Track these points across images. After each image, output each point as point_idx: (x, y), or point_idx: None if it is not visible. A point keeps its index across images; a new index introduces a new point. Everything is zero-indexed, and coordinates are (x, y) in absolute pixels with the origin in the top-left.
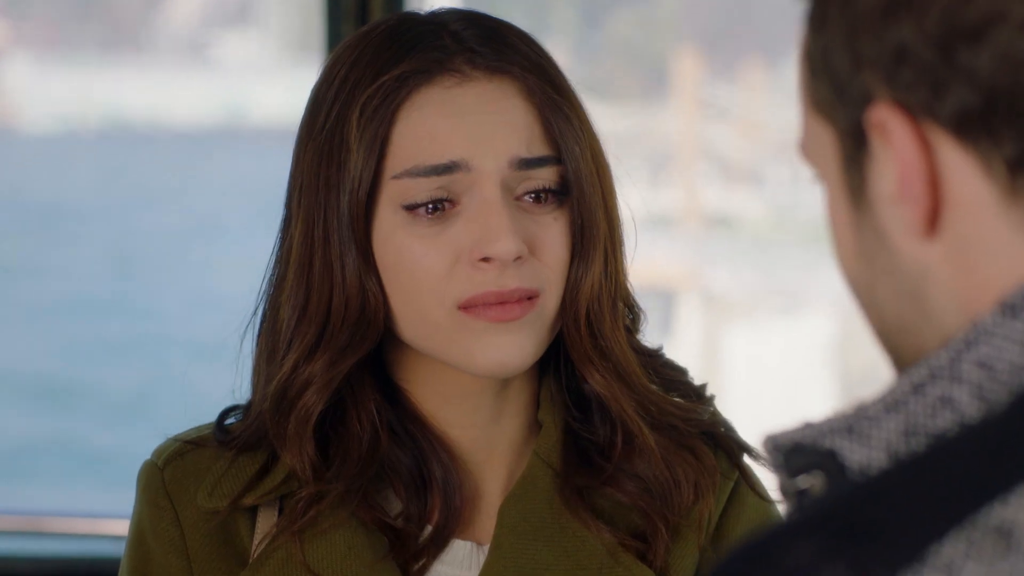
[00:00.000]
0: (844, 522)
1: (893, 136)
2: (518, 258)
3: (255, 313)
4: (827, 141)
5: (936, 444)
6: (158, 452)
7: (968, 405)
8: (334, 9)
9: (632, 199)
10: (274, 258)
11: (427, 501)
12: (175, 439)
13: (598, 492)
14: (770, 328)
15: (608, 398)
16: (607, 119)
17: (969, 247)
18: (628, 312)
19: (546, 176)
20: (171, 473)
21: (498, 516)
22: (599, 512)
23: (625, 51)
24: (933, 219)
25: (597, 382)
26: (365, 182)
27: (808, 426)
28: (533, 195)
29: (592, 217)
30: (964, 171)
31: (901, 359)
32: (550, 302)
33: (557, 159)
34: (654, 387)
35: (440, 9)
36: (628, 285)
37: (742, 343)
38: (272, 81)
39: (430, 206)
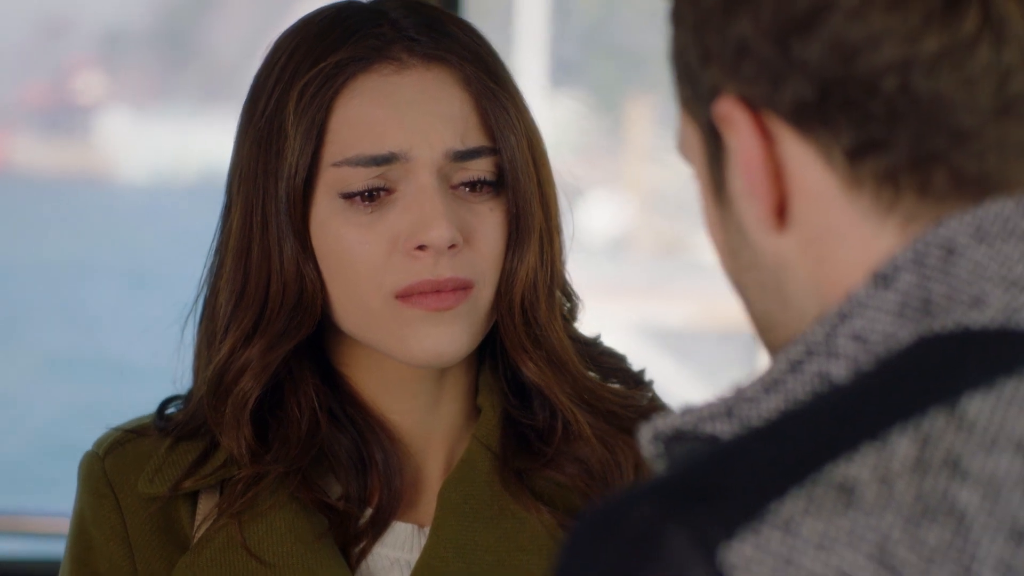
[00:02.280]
0: (686, 484)
1: (736, 129)
2: (453, 247)
3: (196, 301)
4: (694, 140)
5: (792, 408)
6: (99, 442)
7: (845, 380)
8: None
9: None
10: (214, 245)
11: (367, 484)
12: (116, 429)
13: (538, 474)
14: None
15: (542, 386)
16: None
17: (819, 237)
18: (566, 301)
19: (482, 166)
20: (112, 462)
21: (438, 498)
22: (539, 494)
23: None
24: (781, 212)
25: (531, 371)
26: (302, 169)
27: (688, 411)
28: (469, 185)
29: (527, 207)
30: (806, 163)
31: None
32: (485, 292)
33: (493, 149)
34: (591, 375)
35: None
36: (565, 273)
37: None
38: None
39: (367, 193)
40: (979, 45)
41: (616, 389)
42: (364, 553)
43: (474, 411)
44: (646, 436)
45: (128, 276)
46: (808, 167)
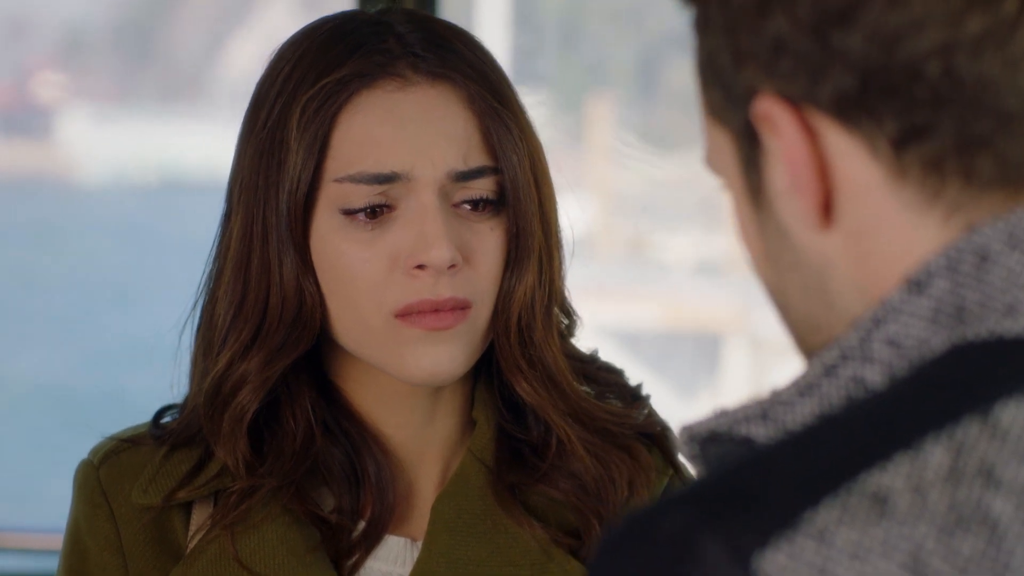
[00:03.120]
0: (720, 492)
1: (779, 127)
2: (452, 266)
3: (194, 308)
4: (725, 146)
5: (824, 416)
6: (94, 451)
7: (880, 385)
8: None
9: (684, 245)
10: (213, 251)
11: (361, 497)
12: (111, 438)
13: (532, 489)
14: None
15: (536, 406)
16: (661, 166)
17: (864, 232)
18: (564, 317)
19: (483, 186)
20: (106, 471)
21: (431, 512)
22: (532, 509)
23: (678, 100)
24: (827, 208)
25: (525, 391)
26: (304, 183)
27: (723, 414)
28: (470, 204)
29: (527, 227)
30: (850, 155)
31: None
32: (483, 312)
33: (494, 169)
34: (586, 393)
35: (388, 8)
36: (564, 290)
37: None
38: None
39: (368, 210)
40: (1021, 25)
41: (611, 408)
42: (356, 566)
43: (469, 425)
44: (682, 438)
45: (88, 284)
46: (852, 159)
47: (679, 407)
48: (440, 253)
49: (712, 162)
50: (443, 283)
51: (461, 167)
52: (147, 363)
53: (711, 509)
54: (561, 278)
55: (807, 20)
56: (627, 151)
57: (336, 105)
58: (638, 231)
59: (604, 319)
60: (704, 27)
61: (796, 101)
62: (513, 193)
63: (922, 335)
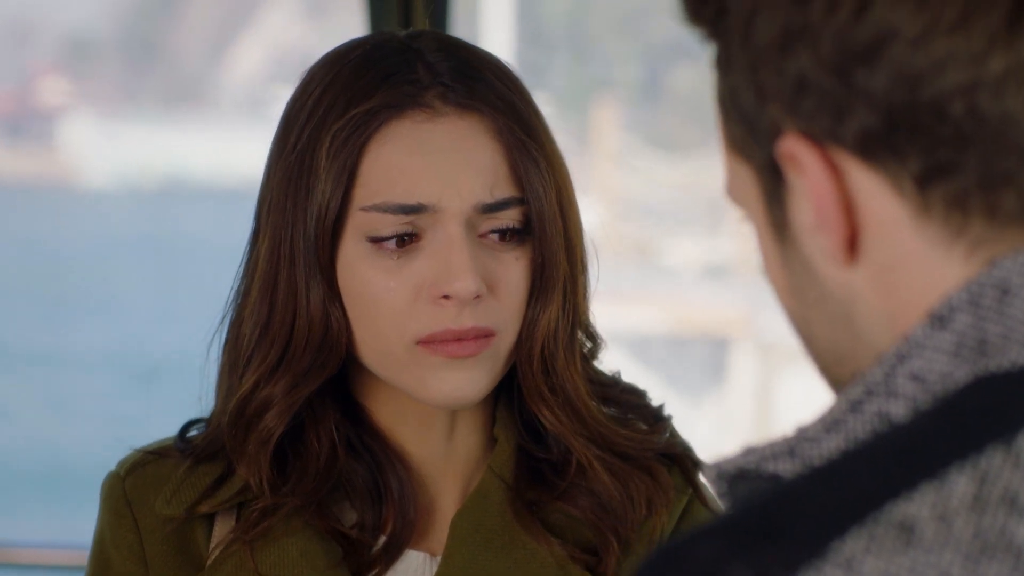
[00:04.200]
0: (750, 523)
1: (804, 166)
2: (477, 297)
3: (222, 322)
4: (748, 180)
5: (850, 450)
6: (121, 463)
7: (904, 419)
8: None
9: (690, 248)
10: (241, 268)
11: (382, 512)
12: (138, 450)
13: (551, 506)
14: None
15: (558, 434)
16: (667, 169)
17: (890, 267)
18: (587, 341)
19: (510, 216)
20: (132, 482)
21: (450, 528)
22: (551, 526)
23: (684, 103)
24: (853, 244)
25: (547, 418)
26: (332, 211)
27: (750, 451)
28: (496, 233)
29: (553, 258)
30: (875, 193)
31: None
32: (506, 340)
33: (521, 200)
34: (607, 418)
35: (418, 32)
36: (588, 314)
37: (796, 389)
38: None
39: (396, 239)
40: None
41: (631, 434)
42: None
43: (490, 442)
44: (710, 475)
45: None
46: (877, 197)
47: (686, 411)
48: (465, 285)
49: (734, 194)
50: (467, 313)
51: (488, 199)
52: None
53: (741, 540)
54: (586, 303)
55: (830, 60)
56: (633, 156)
57: (365, 135)
58: (644, 235)
59: (610, 324)
60: (726, 65)
61: (820, 139)
62: (539, 224)
63: (945, 369)
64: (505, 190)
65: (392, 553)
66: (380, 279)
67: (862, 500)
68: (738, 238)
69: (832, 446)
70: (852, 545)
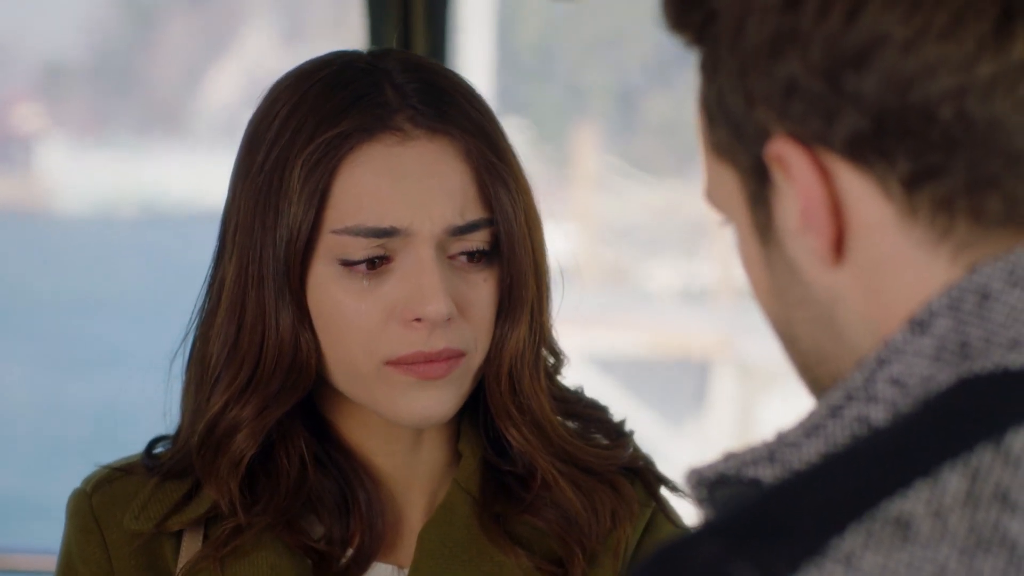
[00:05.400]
0: (749, 522)
1: (792, 168)
2: (448, 319)
3: (184, 339)
4: (731, 183)
5: (841, 450)
6: (87, 480)
7: (883, 423)
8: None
9: (667, 272)
10: (206, 285)
11: (349, 525)
12: (104, 467)
13: (517, 519)
14: (803, 396)
15: (524, 452)
16: (643, 195)
17: (875, 269)
18: (551, 356)
19: (479, 237)
20: (99, 499)
21: (418, 541)
22: (517, 538)
23: (659, 130)
24: (839, 246)
25: (514, 437)
26: (303, 234)
27: (731, 456)
28: (466, 255)
29: (522, 278)
30: (863, 195)
31: (823, 391)
32: (475, 359)
33: (490, 220)
34: (571, 433)
35: (381, 51)
36: (552, 331)
37: (776, 412)
38: None
39: (367, 262)
40: None
41: (596, 450)
42: None
43: (455, 456)
44: (690, 481)
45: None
46: (865, 199)
47: (666, 435)
48: (437, 308)
49: (713, 197)
50: (437, 335)
51: (458, 222)
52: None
53: (742, 539)
54: (550, 322)
55: (820, 63)
56: (610, 180)
57: (337, 159)
58: (622, 258)
59: (589, 348)
60: (713, 69)
61: (808, 142)
62: (508, 245)
63: (926, 372)
64: (475, 212)
65: (360, 565)
66: (351, 301)
67: (858, 498)
68: (716, 262)
69: (812, 451)
70: (851, 541)
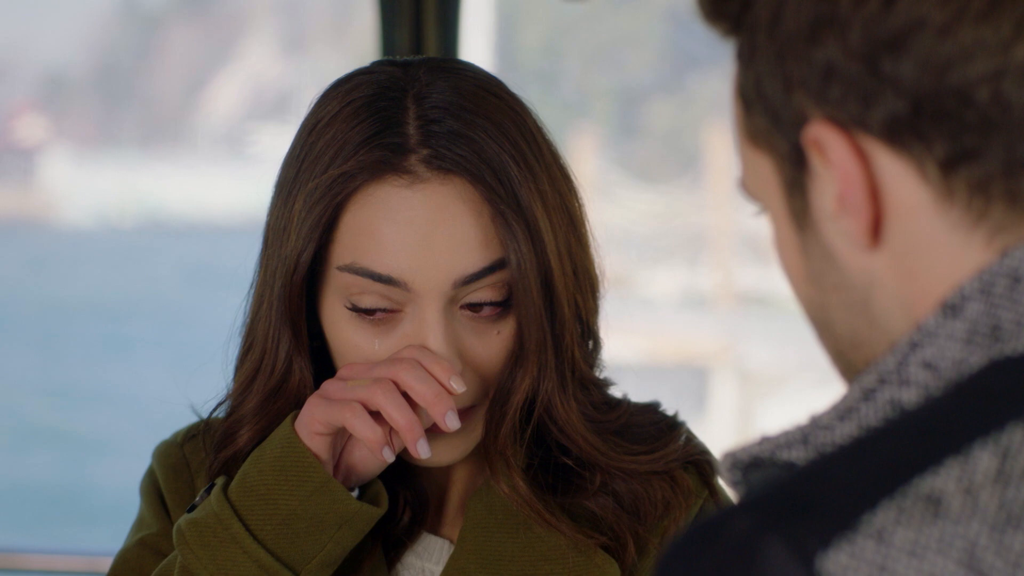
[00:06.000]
0: (781, 499)
1: (830, 151)
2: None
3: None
4: (767, 171)
5: (872, 430)
6: (175, 435)
7: (915, 406)
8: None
9: (668, 279)
10: (252, 286)
11: (400, 496)
12: (188, 428)
13: (571, 501)
14: (803, 402)
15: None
16: (645, 202)
17: (911, 252)
18: (588, 370)
19: (491, 282)
20: (189, 448)
21: (465, 511)
22: (567, 510)
23: (661, 136)
24: (876, 229)
25: (572, 457)
26: (302, 266)
27: (765, 440)
28: (473, 308)
29: (528, 327)
30: (900, 177)
31: (857, 376)
32: (485, 407)
33: (503, 262)
34: (620, 450)
35: (420, 63)
36: (587, 360)
37: (776, 417)
38: None
39: (373, 314)
40: None
41: (646, 458)
42: (395, 560)
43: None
44: (724, 464)
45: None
46: (902, 182)
47: None
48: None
49: (749, 186)
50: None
51: (466, 271)
52: None
53: (775, 515)
54: (584, 353)
55: (858, 47)
56: (610, 186)
57: (342, 195)
58: (622, 265)
59: None
60: (750, 56)
61: (846, 126)
62: (517, 294)
63: (958, 356)
64: (483, 258)
65: (412, 535)
66: (365, 342)
67: (890, 475)
68: (716, 269)
69: (845, 433)
70: (883, 517)
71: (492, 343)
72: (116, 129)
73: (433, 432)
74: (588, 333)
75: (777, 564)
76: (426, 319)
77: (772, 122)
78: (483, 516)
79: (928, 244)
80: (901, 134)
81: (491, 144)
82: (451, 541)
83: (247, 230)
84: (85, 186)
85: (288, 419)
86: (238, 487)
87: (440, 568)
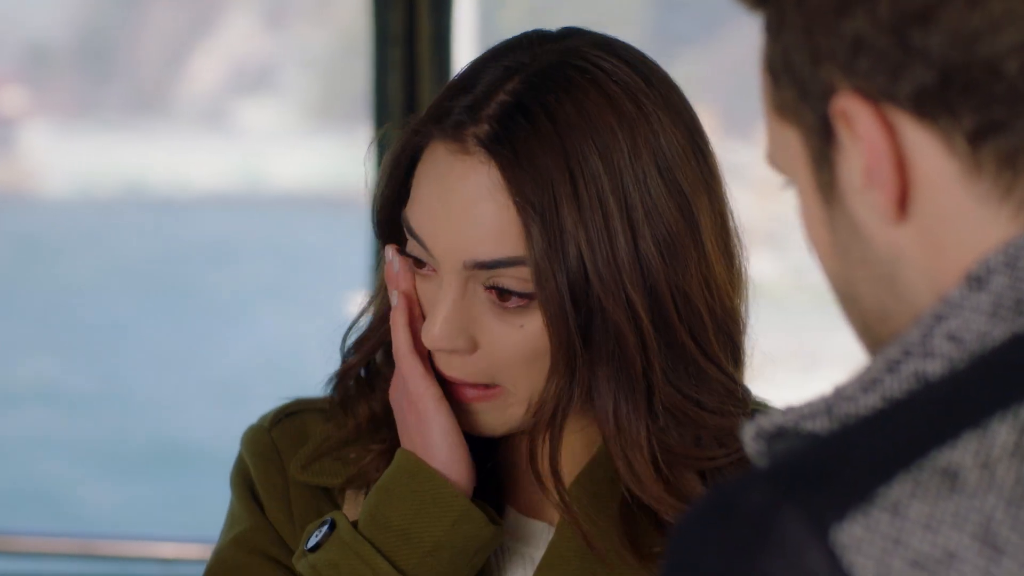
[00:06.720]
0: (798, 469)
1: (857, 123)
2: (454, 351)
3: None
4: (794, 143)
5: (894, 402)
6: (263, 418)
7: (940, 378)
8: (382, 30)
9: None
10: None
11: (500, 481)
12: (277, 409)
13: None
14: (789, 388)
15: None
16: None
17: (938, 225)
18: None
19: (513, 275)
20: (277, 433)
21: (569, 492)
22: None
23: None
24: (903, 201)
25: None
26: (384, 210)
27: (790, 410)
28: (498, 291)
29: (556, 332)
30: (928, 149)
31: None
32: (518, 398)
33: (521, 260)
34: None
35: (563, 34)
36: (688, 388)
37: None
38: (291, 148)
39: (423, 266)
40: None
41: (720, 451)
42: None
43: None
44: (748, 434)
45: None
46: (929, 154)
47: None
48: (431, 335)
49: (776, 159)
50: (453, 364)
51: (476, 257)
52: None
53: (790, 486)
54: (678, 375)
55: (887, 19)
56: None
57: (417, 145)
58: None
59: None
60: (779, 28)
61: (874, 98)
62: (538, 300)
63: (983, 328)
64: (496, 250)
65: (509, 519)
66: (426, 292)
67: (907, 447)
68: None
69: (869, 404)
70: (899, 490)
71: (513, 334)
72: (98, 100)
73: (460, 404)
74: (692, 359)
75: (792, 535)
76: (443, 287)
77: (800, 94)
78: (585, 502)
79: (955, 217)
80: (929, 106)
81: (554, 140)
82: (550, 524)
83: (227, 202)
84: (66, 157)
85: (400, 451)
86: (370, 522)
87: (539, 553)
